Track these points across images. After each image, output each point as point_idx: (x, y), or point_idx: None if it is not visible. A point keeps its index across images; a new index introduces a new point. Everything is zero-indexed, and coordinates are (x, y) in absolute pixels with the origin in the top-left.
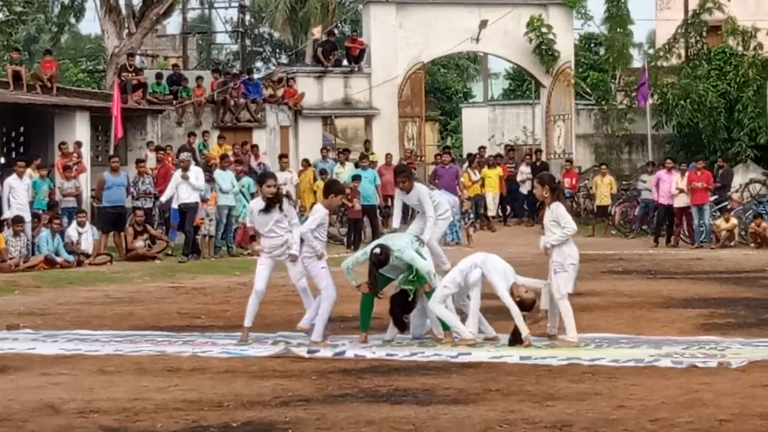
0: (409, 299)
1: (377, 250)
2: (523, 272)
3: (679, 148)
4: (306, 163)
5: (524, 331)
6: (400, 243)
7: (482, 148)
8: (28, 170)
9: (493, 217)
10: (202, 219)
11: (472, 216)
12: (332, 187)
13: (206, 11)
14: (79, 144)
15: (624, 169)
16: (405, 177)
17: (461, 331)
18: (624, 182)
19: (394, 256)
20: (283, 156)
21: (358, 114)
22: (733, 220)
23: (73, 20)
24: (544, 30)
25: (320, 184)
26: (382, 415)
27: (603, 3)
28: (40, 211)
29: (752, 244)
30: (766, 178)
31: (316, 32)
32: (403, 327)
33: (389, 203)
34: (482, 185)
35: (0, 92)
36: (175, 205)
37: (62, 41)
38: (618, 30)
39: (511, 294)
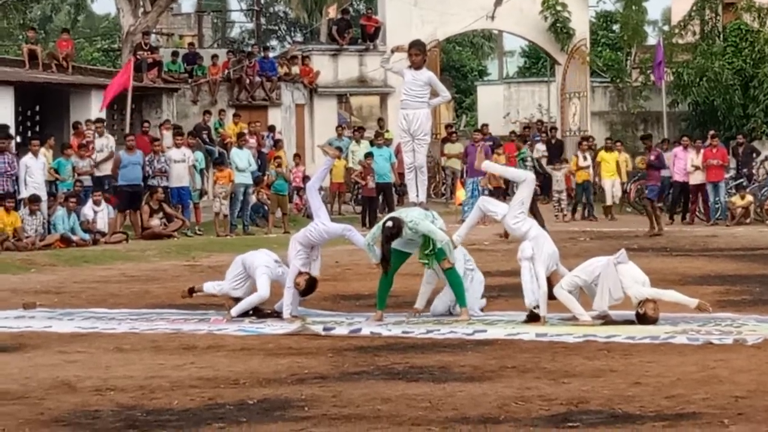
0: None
1: (389, 223)
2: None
3: (695, 126)
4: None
5: (543, 311)
6: (413, 215)
7: (485, 125)
8: (42, 149)
9: (608, 206)
10: None
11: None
12: None
13: None
14: (95, 120)
15: (639, 146)
16: (420, 50)
17: (582, 315)
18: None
19: (408, 228)
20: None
21: (373, 92)
22: (749, 197)
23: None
24: (559, 8)
25: (337, 163)
26: (398, 393)
27: None
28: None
29: None
30: None
31: (332, 11)
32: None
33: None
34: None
35: (16, 71)
36: None
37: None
38: (633, 7)
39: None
